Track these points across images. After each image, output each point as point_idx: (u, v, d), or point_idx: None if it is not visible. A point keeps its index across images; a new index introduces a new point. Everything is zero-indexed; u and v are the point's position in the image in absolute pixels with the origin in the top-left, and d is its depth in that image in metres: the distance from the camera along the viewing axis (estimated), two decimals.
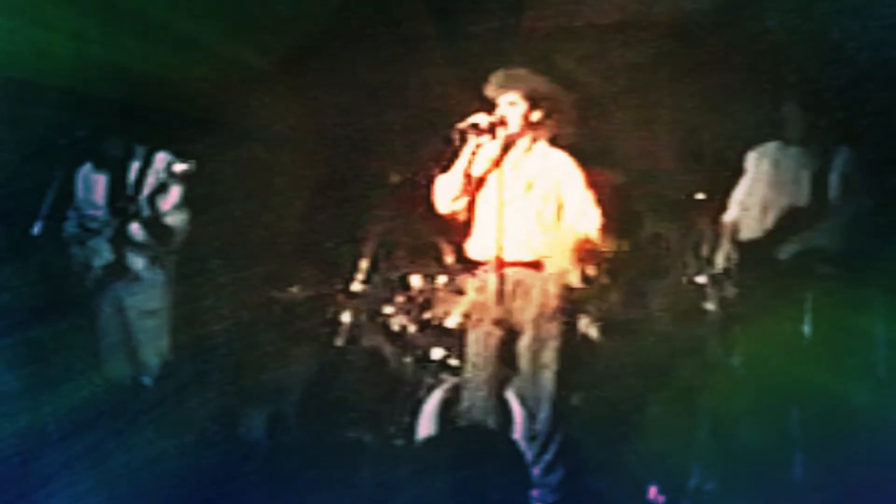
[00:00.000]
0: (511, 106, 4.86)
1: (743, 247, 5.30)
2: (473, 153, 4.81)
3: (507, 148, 4.90)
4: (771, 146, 5.36)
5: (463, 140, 4.78)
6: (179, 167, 5.61)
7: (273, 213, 6.41)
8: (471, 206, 4.93)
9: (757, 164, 5.38)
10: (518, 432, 5.05)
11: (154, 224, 5.64)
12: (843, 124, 5.28)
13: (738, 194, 5.45)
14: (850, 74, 5.53)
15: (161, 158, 5.69)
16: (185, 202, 5.67)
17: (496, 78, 4.90)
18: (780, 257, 5.13)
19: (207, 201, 5.75)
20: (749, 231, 5.33)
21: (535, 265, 4.82)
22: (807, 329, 5.06)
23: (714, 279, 5.37)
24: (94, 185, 5.76)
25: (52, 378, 5.37)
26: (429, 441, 4.86)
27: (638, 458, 5.16)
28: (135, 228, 5.63)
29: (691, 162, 6.28)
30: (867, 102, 5.41)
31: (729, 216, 5.48)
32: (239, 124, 6.23)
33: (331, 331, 5.75)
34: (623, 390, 5.52)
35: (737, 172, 5.49)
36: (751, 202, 5.35)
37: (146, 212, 5.65)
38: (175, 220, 5.69)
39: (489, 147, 4.87)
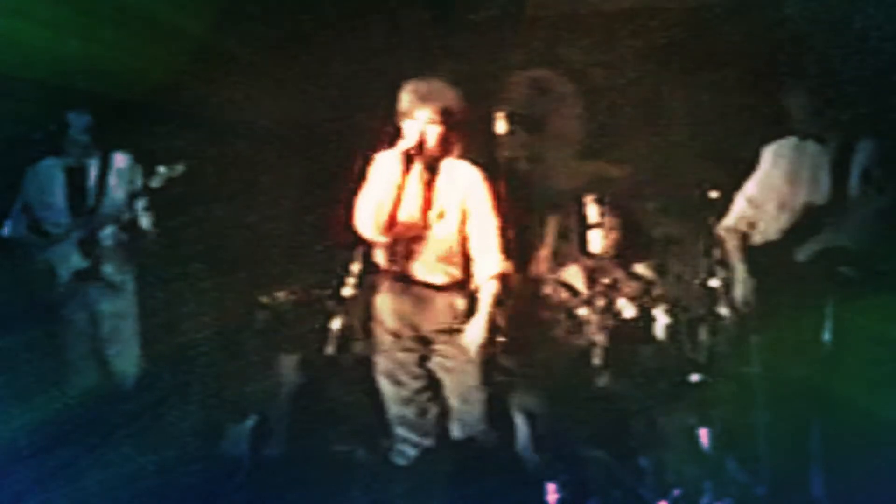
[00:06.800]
0: (428, 123, 4.72)
1: (758, 248, 5.25)
2: (399, 174, 4.72)
3: (423, 167, 4.81)
4: (787, 141, 5.31)
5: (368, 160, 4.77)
6: (164, 169, 5.61)
7: (258, 213, 6.44)
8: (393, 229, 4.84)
9: (772, 161, 5.33)
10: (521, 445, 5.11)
11: (126, 227, 5.68)
12: (866, 118, 5.23)
13: (747, 189, 5.40)
14: (874, 65, 5.52)
15: (121, 158, 5.70)
16: (153, 205, 5.71)
17: (412, 90, 4.77)
18: (799, 259, 5.08)
19: (188, 201, 5.76)
20: (764, 232, 5.27)
21: (443, 288, 4.83)
22: (828, 336, 4.96)
23: (727, 283, 5.33)
24: (50, 185, 5.77)
25: (23, 390, 5.35)
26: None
27: (647, 475, 5.15)
28: (106, 232, 5.63)
29: (704, 158, 6.27)
30: (892, 95, 5.38)
31: (734, 213, 5.41)
32: (222, 119, 6.26)
33: (320, 338, 5.72)
34: (630, 401, 5.51)
35: (753, 169, 5.44)
36: (765, 200, 5.30)
37: (120, 214, 5.64)
38: (146, 222, 5.74)
39: (406, 166, 4.76)
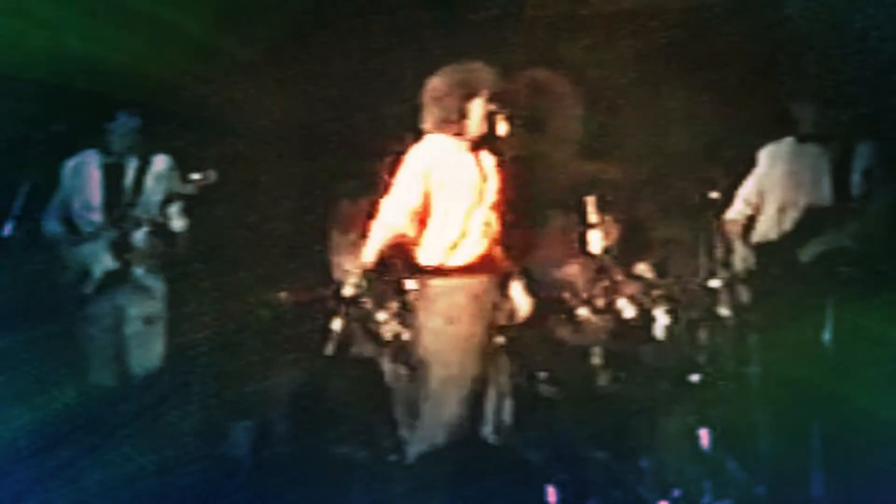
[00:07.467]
0: (475, 107, 4.74)
1: (759, 249, 5.26)
2: (422, 165, 4.71)
3: (467, 153, 4.81)
4: (786, 142, 5.33)
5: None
6: (198, 176, 5.62)
7: (258, 213, 6.43)
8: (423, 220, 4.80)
9: (771, 162, 5.35)
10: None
11: (161, 230, 5.72)
12: (867, 118, 5.25)
13: (744, 190, 5.41)
14: (874, 65, 5.52)
15: (161, 160, 5.71)
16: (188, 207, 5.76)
17: (460, 74, 4.78)
18: (799, 259, 5.10)
19: (188, 201, 5.75)
20: (765, 232, 5.29)
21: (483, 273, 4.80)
22: (828, 336, 4.99)
23: (728, 283, 5.34)
24: (88, 183, 5.78)
25: (24, 389, 5.33)
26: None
27: (647, 474, 5.15)
28: (139, 234, 5.65)
29: (704, 158, 6.26)
30: (892, 95, 5.39)
31: (731, 213, 5.43)
32: (222, 119, 6.24)
33: (320, 339, 5.72)
34: (630, 401, 5.51)
35: (752, 169, 5.46)
36: (763, 201, 5.31)
37: (153, 217, 5.68)
38: (178, 225, 5.79)
39: (447, 154, 4.77)
